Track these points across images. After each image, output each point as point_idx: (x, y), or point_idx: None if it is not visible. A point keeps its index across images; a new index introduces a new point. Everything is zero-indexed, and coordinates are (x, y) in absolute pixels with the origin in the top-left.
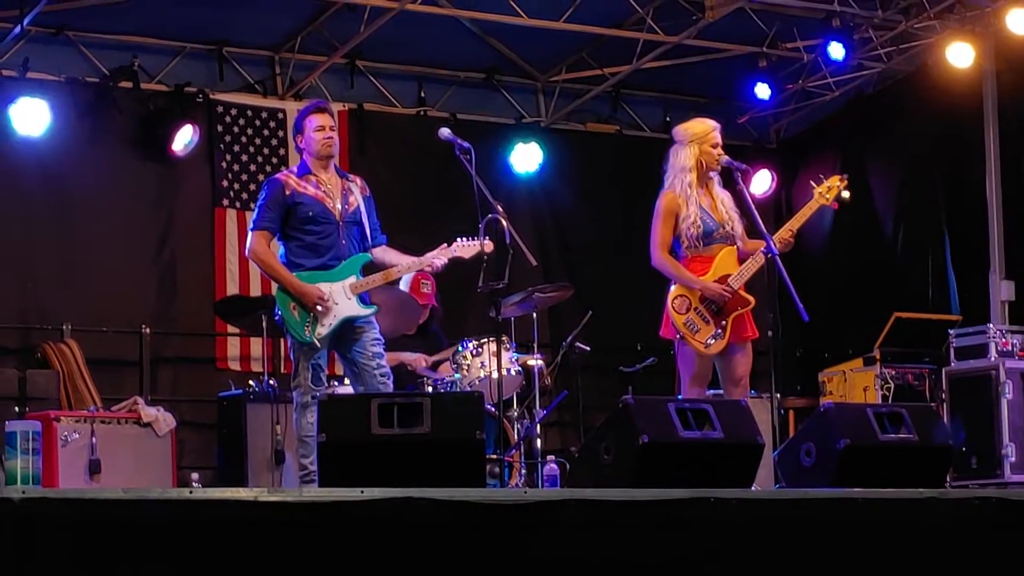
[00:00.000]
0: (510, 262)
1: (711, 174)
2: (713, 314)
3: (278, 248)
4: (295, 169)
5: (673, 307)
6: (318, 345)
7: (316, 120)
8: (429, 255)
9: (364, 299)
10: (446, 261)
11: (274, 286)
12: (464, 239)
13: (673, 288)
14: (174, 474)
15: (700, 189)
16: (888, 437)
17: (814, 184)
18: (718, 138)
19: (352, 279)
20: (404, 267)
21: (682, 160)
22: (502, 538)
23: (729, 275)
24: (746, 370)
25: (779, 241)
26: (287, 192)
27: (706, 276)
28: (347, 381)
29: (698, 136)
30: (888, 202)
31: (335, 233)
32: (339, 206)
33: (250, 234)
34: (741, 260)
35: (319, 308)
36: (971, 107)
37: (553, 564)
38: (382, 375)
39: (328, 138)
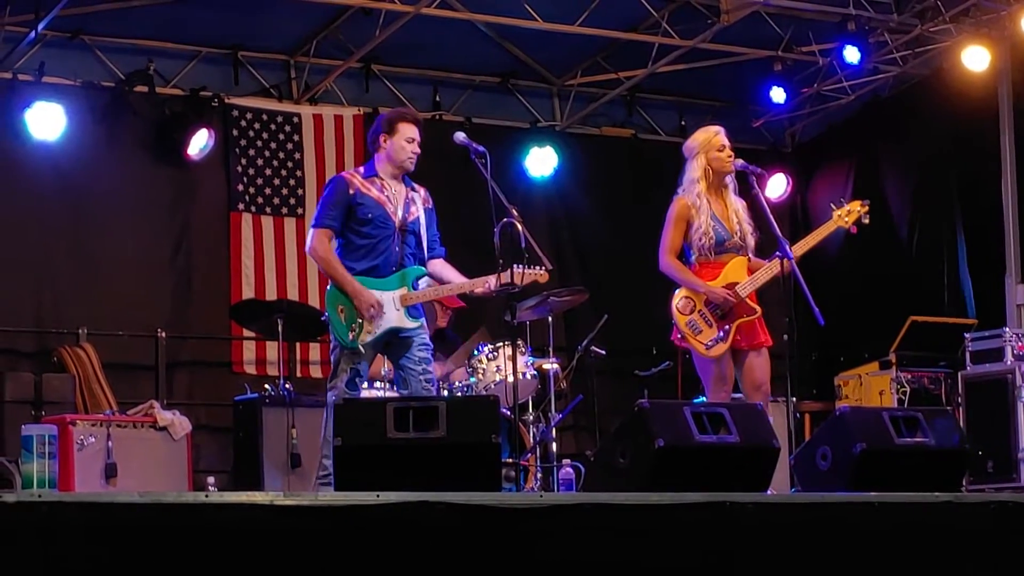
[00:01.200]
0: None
1: (726, 179)
2: (717, 318)
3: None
4: (361, 169)
5: (677, 308)
6: (361, 351)
7: (411, 131)
8: (481, 279)
9: (412, 311)
10: (494, 286)
11: (327, 285)
12: (520, 267)
13: (678, 291)
14: (190, 478)
15: (714, 197)
16: (904, 441)
17: (834, 206)
18: (723, 140)
19: (403, 291)
20: (455, 287)
21: (690, 173)
22: (517, 542)
23: (737, 283)
24: (764, 375)
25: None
26: (351, 191)
27: (714, 283)
28: (376, 384)
29: (702, 145)
30: (903, 206)
31: (390, 238)
32: (400, 213)
33: (311, 231)
34: (752, 271)
35: (369, 314)
36: (987, 110)
37: (569, 568)
38: (427, 380)
39: (415, 152)
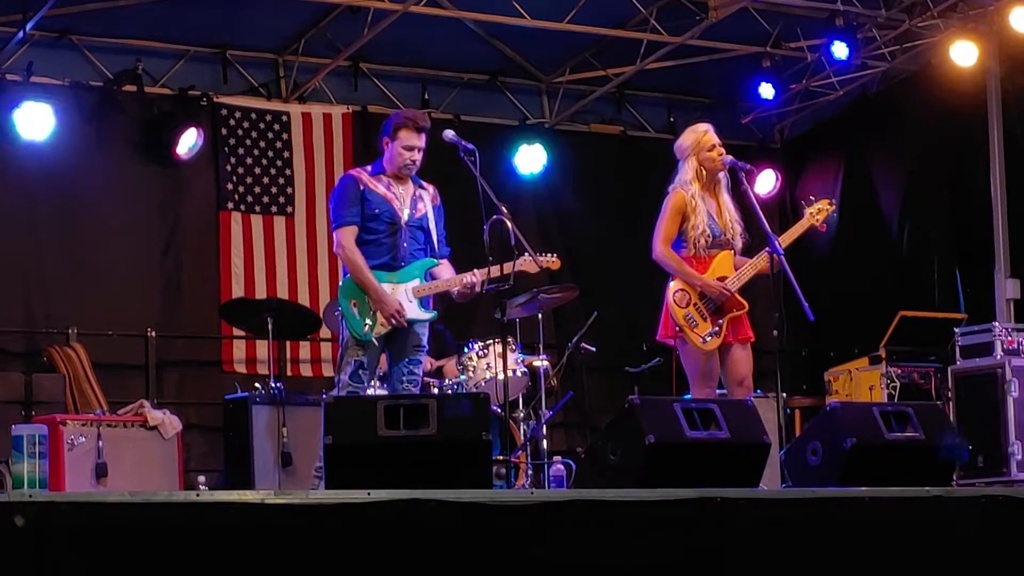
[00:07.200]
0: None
1: (719, 176)
2: (711, 312)
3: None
4: (368, 168)
5: (674, 300)
6: (376, 344)
7: (411, 139)
8: (467, 274)
9: (424, 303)
10: (478, 280)
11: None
12: (529, 256)
13: (673, 283)
14: (180, 477)
15: (709, 195)
16: (894, 436)
17: (804, 204)
18: (713, 139)
19: (415, 282)
20: (455, 280)
21: (683, 175)
22: (509, 539)
23: (726, 277)
24: (747, 370)
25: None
26: (360, 187)
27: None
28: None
29: (693, 146)
30: (893, 201)
31: (397, 234)
32: (406, 210)
33: (336, 232)
34: (736, 266)
35: (394, 322)
36: (975, 106)
37: (560, 565)
38: (409, 380)
39: (413, 161)
